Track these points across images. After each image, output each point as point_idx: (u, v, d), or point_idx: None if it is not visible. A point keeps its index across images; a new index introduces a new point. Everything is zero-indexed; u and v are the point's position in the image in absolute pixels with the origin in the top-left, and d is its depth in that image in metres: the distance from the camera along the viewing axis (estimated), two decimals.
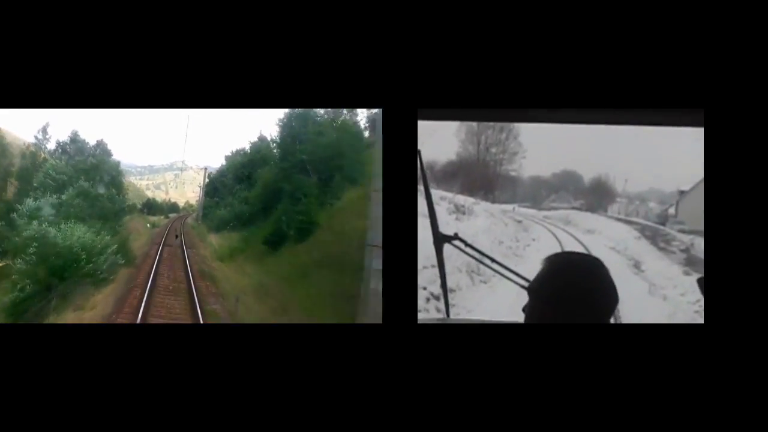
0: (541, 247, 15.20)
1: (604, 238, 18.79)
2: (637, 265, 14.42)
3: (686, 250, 15.13)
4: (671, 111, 1.81)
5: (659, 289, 11.62)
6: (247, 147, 14.58)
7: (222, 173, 15.45)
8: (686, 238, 16.25)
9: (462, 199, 18.32)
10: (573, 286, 1.41)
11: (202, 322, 6.08)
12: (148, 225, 14.79)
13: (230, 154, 15.40)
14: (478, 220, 16.45)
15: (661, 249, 16.43)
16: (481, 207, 19.08)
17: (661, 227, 21.14)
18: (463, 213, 16.74)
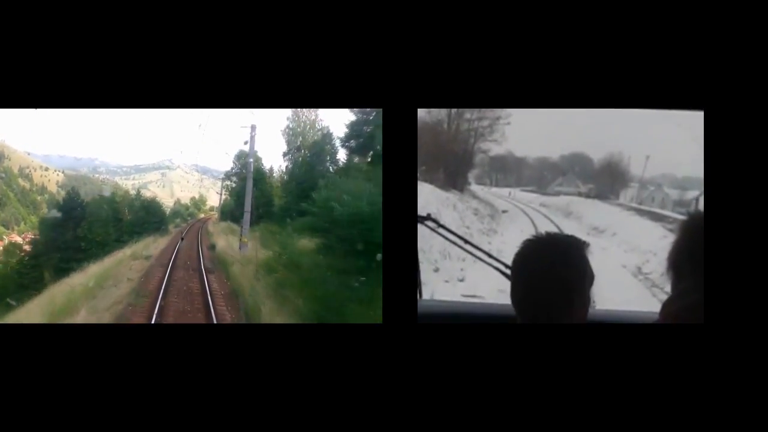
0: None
1: (618, 246, 10.83)
2: None
3: None
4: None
5: None
6: None
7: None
8: None
9: None
10: (543, 272, 1.32)
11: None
12: None
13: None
14: None
15: None
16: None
17: None
18: None
